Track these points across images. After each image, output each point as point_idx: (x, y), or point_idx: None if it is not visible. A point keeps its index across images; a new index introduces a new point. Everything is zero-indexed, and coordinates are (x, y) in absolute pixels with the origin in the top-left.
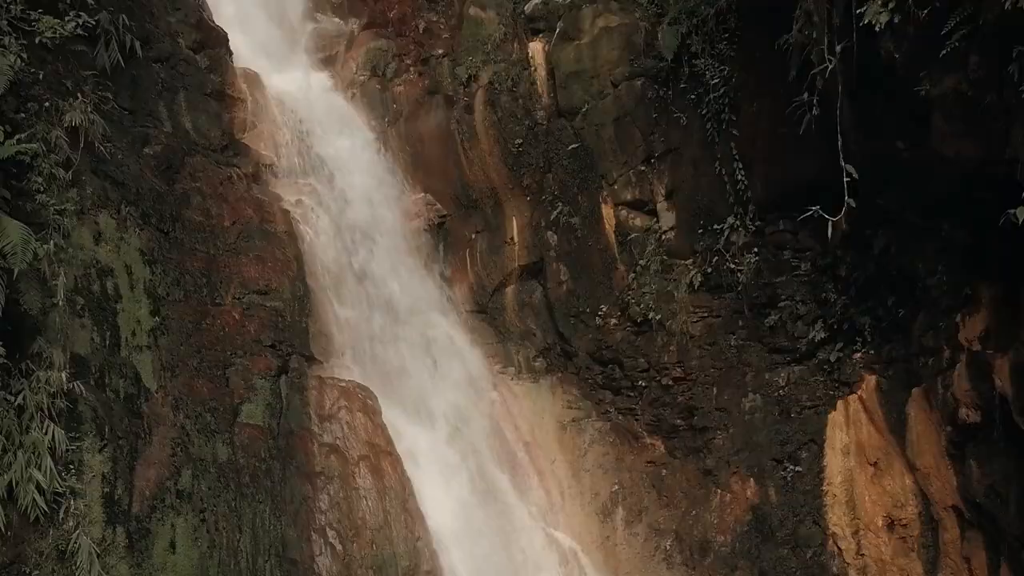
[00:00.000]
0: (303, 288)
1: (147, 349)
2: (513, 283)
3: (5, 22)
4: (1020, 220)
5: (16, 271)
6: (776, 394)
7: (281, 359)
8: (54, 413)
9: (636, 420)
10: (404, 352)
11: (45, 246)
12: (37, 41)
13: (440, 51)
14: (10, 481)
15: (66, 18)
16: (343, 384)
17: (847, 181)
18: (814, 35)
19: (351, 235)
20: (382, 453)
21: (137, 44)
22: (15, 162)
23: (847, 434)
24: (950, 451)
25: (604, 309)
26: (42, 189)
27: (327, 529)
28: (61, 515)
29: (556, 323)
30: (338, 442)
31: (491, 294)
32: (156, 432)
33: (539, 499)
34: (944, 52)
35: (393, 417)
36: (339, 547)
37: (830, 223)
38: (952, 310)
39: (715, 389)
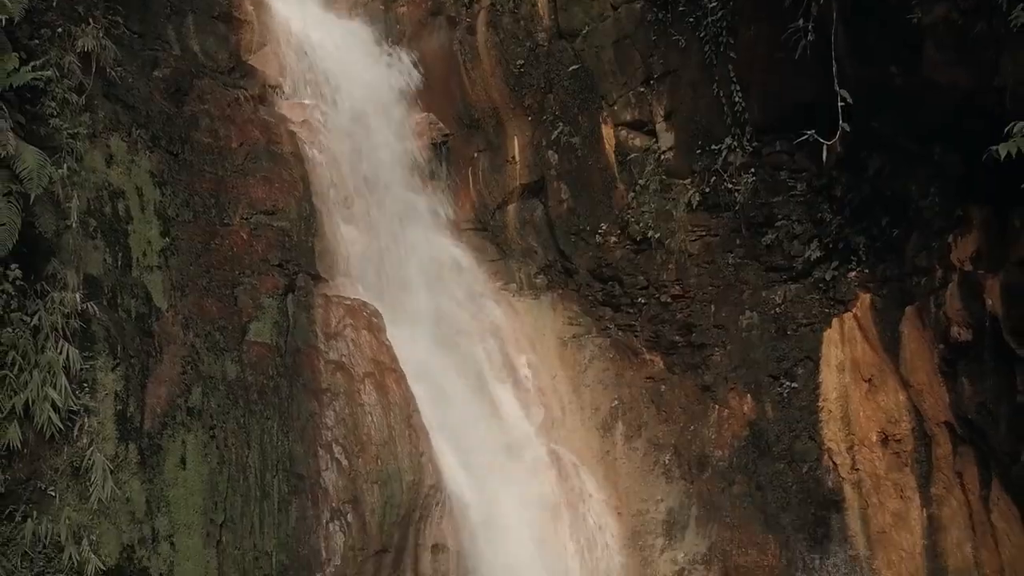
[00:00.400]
0: (309, 208)
1: (157, 269)
2: (514, 201)
3: None
4: (1002, 156)
5: (33, 196)
6: (773, 312)
7: (288, 278)
8: (68, 333)
9: (636, 336)
10: (407, 269)
11: (59, 170)
12: None
13: None
14: (26, 399)
15: None
16: (348, 302)
17: (841, 106)
18: None
19: (355, 155)
20: (387, 370)
21: None
22: (29, 88)
23: (842, 351)
24: (942, 368)
25: (604, 227)
26: (55, 114)
27: (333, 445)
28: (76, 432)
29: (557, 241)
30: (344, 359)
31: (493, 212)
32: (167, 351)
33: (540, 414)
34: None
35: (397, 334)
36: (345, 462)
37: (825, 147)
38: (944, 231)
39: (713, 307)
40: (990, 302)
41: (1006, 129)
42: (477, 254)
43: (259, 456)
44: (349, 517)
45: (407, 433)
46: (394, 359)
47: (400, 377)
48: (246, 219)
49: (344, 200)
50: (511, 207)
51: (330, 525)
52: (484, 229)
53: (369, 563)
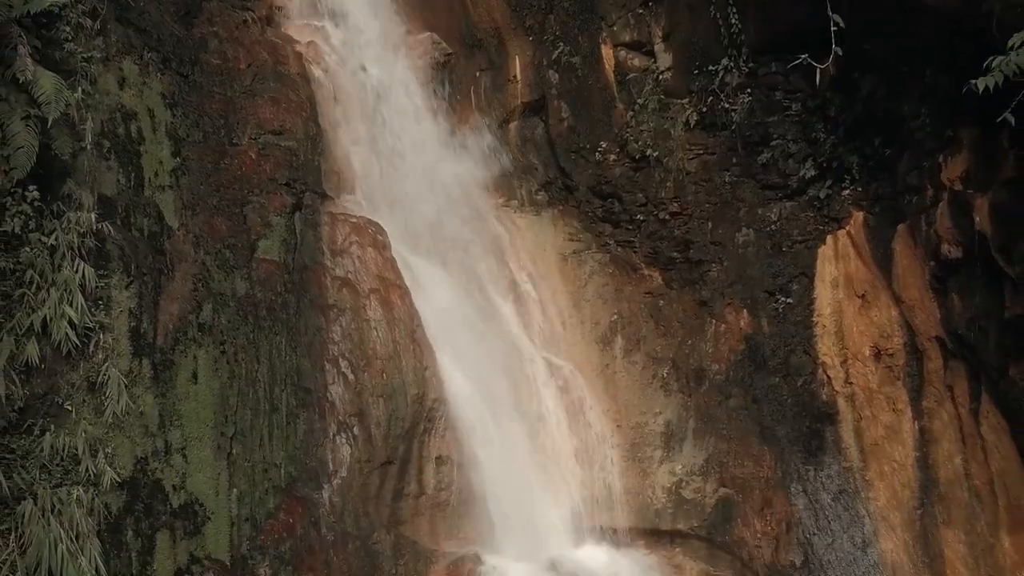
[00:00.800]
0: (316, 128)
1: (169, 189)
2: (516, 119)
3: None
4: (980, 89)
5: (50, 120)
6: (768, 229)
7: (295, 197)
8: (84, 252)
9: (635, 252)
10: (411, 187)
11: (74, 93)
12: None
13: None
14: (44, 317)
15: None
16: (354, 220)
17: (834, 30)
18: None
19: (360, 75)
20: (391, 286)
21: None
22: (45, 13)
23: (836, 267)
24: (933, 285)
25: (604, 145)
26: (70, 38)
27: (340, 359)
28: (91, 348)
29: (557, 158)
30: (350, 276)
31: (495, 130)
32: (178, 268)
33: (541, 328)
34: None
35: (401, 250)
36: (351, 376)
37: (818, 70)
38: (935, 151)
39: (710, 223)
40: (979, 221)
41: (985, 63)
42: (479, 171)
43: (268, 371)
44: (355, 430)
45: (411, 348)
46: (398, 275)
47: (404, 293)
48: (254, 139)
49: (348, 119)
50: (512, 125)
51: (337, 438)
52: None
53: (375, 475)
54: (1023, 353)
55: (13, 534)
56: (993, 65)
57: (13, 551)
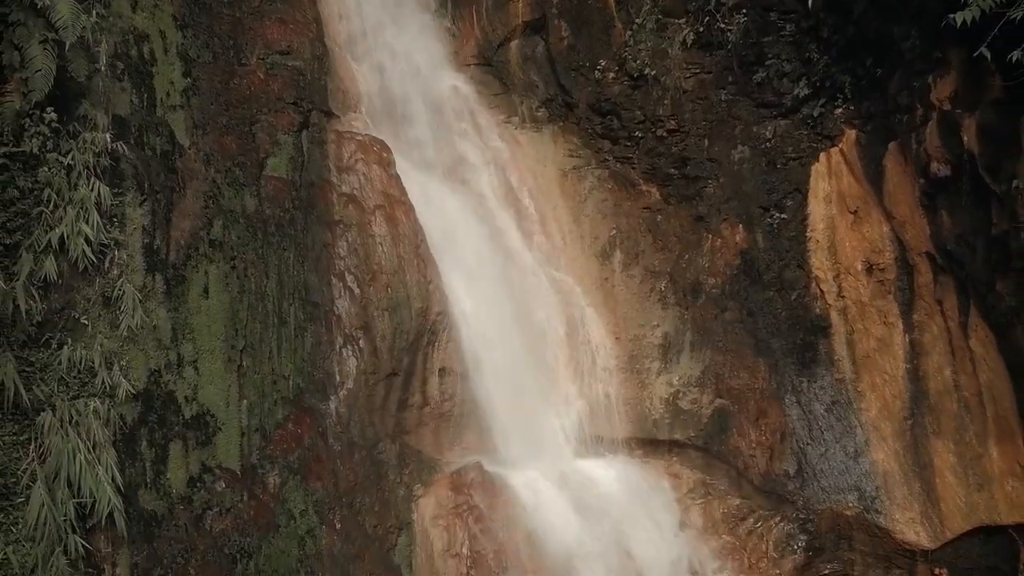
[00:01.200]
0: (322, 48)
1: (180, 108)
2: (517, 38)
3: None
4: (958, 24)
5: (68, 43)
6: (763, 146)
7: (303, 115)
8: (99, 171)
9: (633, 168)
10: (415, 106)
11: (90, 17)
12: None
13: None
14: (61, 234)
15: None
16: (360, 138)
17: None
18: None
19: None
20: (396, 202)
21: None
22: None
23: (829, 184)
24: (923, 201)
25: (603, 64)
26: None
27: (346, 274)
28: (107, 264)
29: (558, 76)
30: (355, 192)
31: (496, 48)
32: (189, 186)
33: (542, 242)
34: None
35: (405, 167)
36: (357, 290)
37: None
38: (925, 72)
39: (706, 141)
40: (967, 140)
41: None
42: (481, 88)
43: (277, 285)
44: (361, 343)
45: (415, 262)
46: (403, 191)
47: (409, 209)
48: (262, 59)
49: (354, 39)
50: (514, 43)
51: (343, 350)
52: (488, 64)
53: (380, 386)
54: (1009, 268)
55: (33, 444)
56: (970, 0)
57: (33, 461)
